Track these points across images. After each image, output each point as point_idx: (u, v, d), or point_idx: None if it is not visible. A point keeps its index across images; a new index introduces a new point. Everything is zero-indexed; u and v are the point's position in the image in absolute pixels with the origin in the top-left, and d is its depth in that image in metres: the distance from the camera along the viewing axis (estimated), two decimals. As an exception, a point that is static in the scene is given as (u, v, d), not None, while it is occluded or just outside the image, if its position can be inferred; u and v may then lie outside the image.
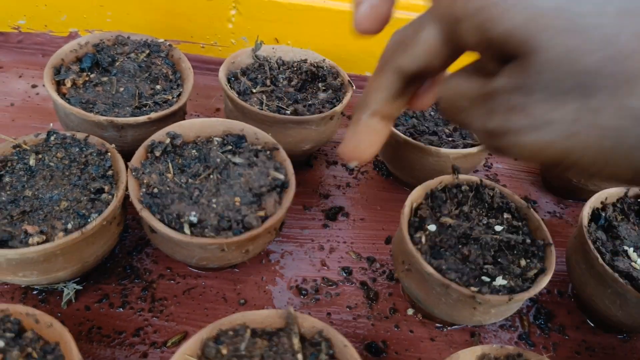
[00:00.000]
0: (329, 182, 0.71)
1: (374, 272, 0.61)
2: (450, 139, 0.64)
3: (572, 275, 0.59)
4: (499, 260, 0.52)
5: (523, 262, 0.52)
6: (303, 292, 0.58)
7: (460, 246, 0.52)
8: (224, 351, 0.43)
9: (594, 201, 0.60)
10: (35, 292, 0.54)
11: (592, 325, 0.61)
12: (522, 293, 0.49)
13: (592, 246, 0.54)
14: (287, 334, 0.44)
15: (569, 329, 0.60)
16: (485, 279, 0.50)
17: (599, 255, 0.53)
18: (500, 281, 0.49)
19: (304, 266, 0.61)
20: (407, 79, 0.34)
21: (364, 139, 0.37)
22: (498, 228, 0.54)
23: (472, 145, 0.64)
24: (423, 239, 0.52)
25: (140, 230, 0.61)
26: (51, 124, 0.59)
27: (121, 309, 0.54)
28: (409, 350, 0.55)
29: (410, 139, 0.62)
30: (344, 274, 0.60)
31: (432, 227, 0.53)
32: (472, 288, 0.48)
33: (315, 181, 0.71)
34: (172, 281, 0.57)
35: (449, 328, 0.57)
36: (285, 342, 0.44)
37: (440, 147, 0.62)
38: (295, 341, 0.44)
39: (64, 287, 0.53)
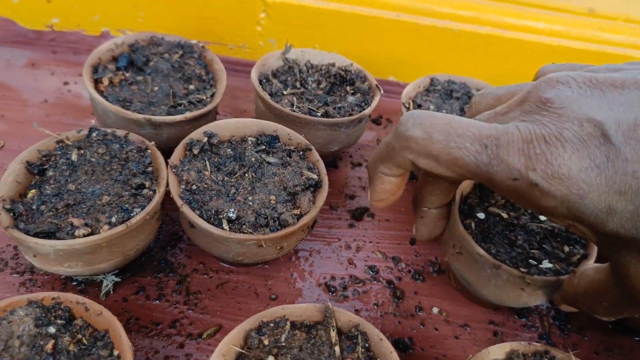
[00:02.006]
0: (354, 183, 0.73)
1: (399, 271, 0.63)
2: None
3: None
4: (544, 246, 0.55)
5: (566, 249, 0.55)
6: (332, 289, 0.60)
7: (507, 232, 0.55)
8: (266, 342, 0.44)
9: None
10: (74, 283, 0.56)
11: (610, 327, 0.63)
12: (568, 275, 0.52)
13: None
14: (324, 327, 0.46)
15: (587, 329, 0.62)
16: (532, 262, 0.53)
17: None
18: (546, 264, 0.53)
19: (331, 264, 0.62)
20: (452, 183, 0.44)
21: (432, 224, 0.48)
22: (542, 217, 0.58)
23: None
24: (473, 225, 0.55)
25: (173, 226, 0.63)
26: (92, 122, 0.61)
27: (157, 301, 0.56)
28: (434, 347, 0.57)
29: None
30: (371, 273, 0.62)
31: (481, 215, 0.57)
32: (522, 269, 0.51)
33: (341, 182, 0.73)
34: (206, 275, 0.59)
35: (469, 327, 0.59)
36: (323, 334, 0.46)
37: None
38: (333, 334, 0.46)
39: (103, 278, 0.55)
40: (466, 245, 0.53)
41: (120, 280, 0.56)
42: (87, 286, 0.56)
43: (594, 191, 0.31)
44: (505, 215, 0.57)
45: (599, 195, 0.31)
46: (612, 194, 0.31)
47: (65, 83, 0.79)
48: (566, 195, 0.32)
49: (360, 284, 0.61)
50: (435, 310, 0.60)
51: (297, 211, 0.54)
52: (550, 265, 0.52)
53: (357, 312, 0.58)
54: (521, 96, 0.37)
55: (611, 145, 0.31)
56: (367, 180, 0.74)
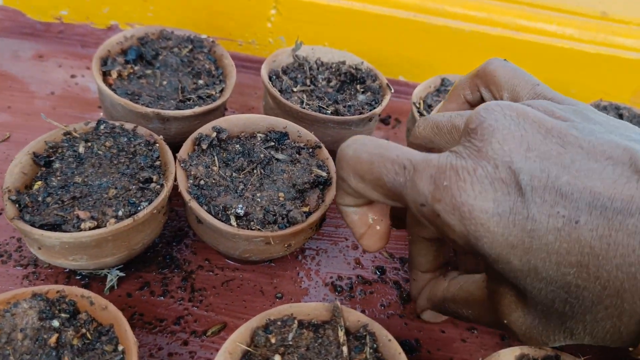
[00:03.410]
0: (362, 183, 0.72)
1: (406, 272, 0.62)
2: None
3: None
4: None
5: None
6: (338, 288, 0.59)
7: None
8: (273, 340, 0.44)
9: None
10: (78, 277, 0.55)
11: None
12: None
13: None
14: (332, 326, 0.46)
15: (595, 336, 0.61)
16: None
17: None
18: None
19: (338, 264, 0.62)
20: (438, 242, 0.45)
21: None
22: None
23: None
24: None
25: (179, 222, 0.62)
26: (101, 114, 0.61)
27: (162, 298, 0.55)
28: (441, 350, 0.56)
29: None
30: (378, 273, 0.62)
31: None
32: None
33: (348, 181, 0.72)
34: (211, 273, 0.58)
35: (477, 331, 0.58)
36: (331, 334, 0.45)
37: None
38: (341, 334, 0.45)
39: (108, 273, 0.54)
40: None
41: (124, 275, 0.55)
42: (91, 280, 0.55)
43: (489, 237, 0.31)
44: None
45: (492, 242, 0.31)
46: (505, 244, 0.31)
47: (73, 76, 0.79)
48: (463, 232, 0.32)
49: (367, 285, 0.60)
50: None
51: (305, 209, 0.53)
52: None
53: (363, 312, 0.57)
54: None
55: (519, 198, 0.31)
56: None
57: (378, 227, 0.43)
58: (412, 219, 0.45)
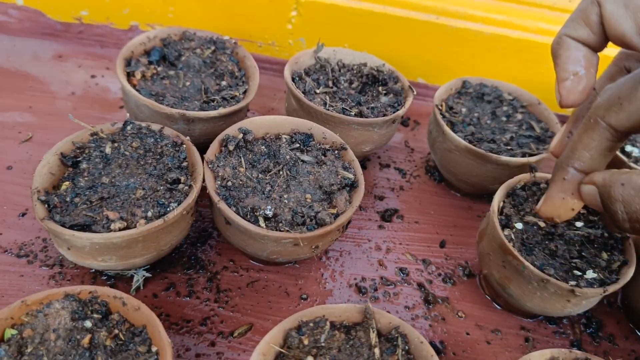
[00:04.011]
0: (383, 185, 0.72)
1: (429, 274, 0.62)
2: (508, 147, 0.65)
3: (627, 285, 0.60)
4: (584, 254, 0.54)
5: (605, 255, 0.54)
6: (362, 290, 0.59)
7: (547, 242, 0.55)
8: (306, 342, 0.44)
9: None
10: (104, 278, 0.55)
11: (641, 336, 0.62)
12: (614, 285, 0.51)
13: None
14: (364, 328, 0.46)
15: (618, 338, 0.61)
16: (577, 272, 0.52)
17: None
18: (591, 274, 0.52)
19: (362, 265, 0.62)
20: (619, 136, 0.37)
21: (569, 195, 0.40)
22: (578, 224, 0.57)
23: (530, 155, 0.65)
24: (513, 236, 0.54)
25: (203, 222, 0.62)
26: (127, 115, 0.61)
27: (188, 298, 0.55)
28: (466, 352, 0.56)
29: (471, 145, 0.63)
30: (401, 275, 0.62)
31: (519, 225, 0.56)
32: (571, 282, 0.50)
33: (369, 183, 0.72)
34: (236, 273, 0.58)
35: (500, 333, 0.58)
36: (362, 336, 0.45)
37: (499, 154, 0.63)
38: (373, 336, 0.45)
39: (134, 273, 0.55)
40: (512, 260, 0.52)
41: (150, 275, 0.55)
42: (117, 281, 0.55)
43: None
44: (542, 224, 0.56)
45: None
46: None
47: (93, 76, 0.79)
48: None
49: (391, 286, 0.60)
50: (466, 314, 0.59)
51: (333, 210, 0.53)
52: (595, 275, 0.52)
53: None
54: None
55: None
56: (395, 182, 0.73)
57: (585, 80, 0.41)
58: (609, 100, 0.37)
